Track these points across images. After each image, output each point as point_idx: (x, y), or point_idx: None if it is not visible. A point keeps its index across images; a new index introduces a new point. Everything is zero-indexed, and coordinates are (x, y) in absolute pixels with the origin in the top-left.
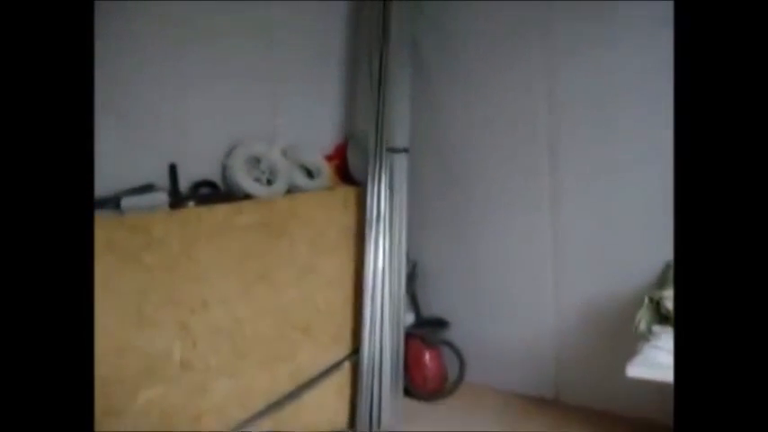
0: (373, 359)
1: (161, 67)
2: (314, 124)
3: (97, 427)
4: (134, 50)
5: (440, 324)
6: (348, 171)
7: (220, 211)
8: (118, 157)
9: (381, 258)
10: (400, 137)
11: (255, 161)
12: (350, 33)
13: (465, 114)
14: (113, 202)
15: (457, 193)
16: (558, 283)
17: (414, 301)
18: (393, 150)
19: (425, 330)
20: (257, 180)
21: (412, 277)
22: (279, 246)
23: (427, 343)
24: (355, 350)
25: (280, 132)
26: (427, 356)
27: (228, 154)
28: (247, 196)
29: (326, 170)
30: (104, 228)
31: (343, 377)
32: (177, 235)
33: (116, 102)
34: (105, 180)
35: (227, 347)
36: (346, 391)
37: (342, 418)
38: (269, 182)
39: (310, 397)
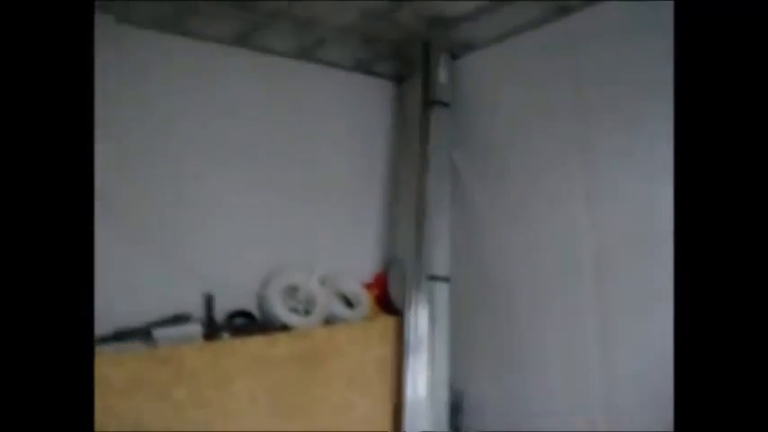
0: None
1: (197, 196)
2: (354, 251)
3: None
4: (171, 179)
5: None
6: (389, 300)
7: (255, 342)
8: (152, 287)
9: (421, 391)
10: (441, 264)
11: (293, 290)
12: (392, 155)
13: (508, 240)
14: (144, 333)
15: (502, 322)
16: (609, 416)
17: None
18: (433, 278)
19: None
20: (294, 310)
21: (457, 409)
22: (315, 379)
23: None
24: None
25: (318, 259)
26: None
27: (265, 283)
28: (284, 327)
29: (366, 299)
30: (134, 361)
31: None
32: (210, 368)
33: (151, 230)
34: (138, 310)
35: None
36: None
37: None
38: (306, 312)
39: None
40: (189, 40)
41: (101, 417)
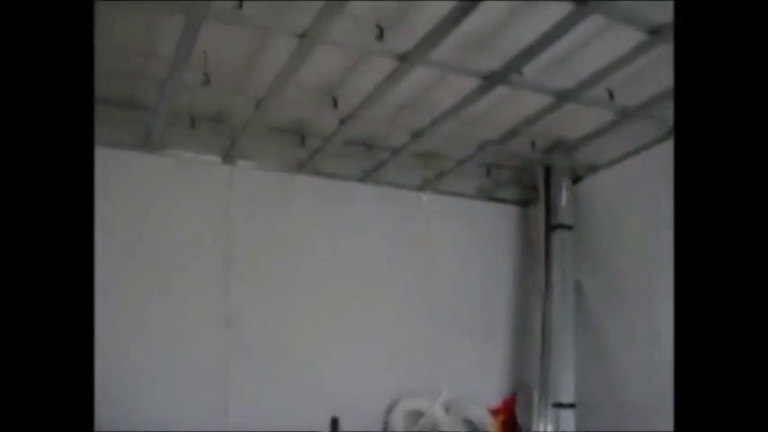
0: None
1: (326, 321)
2: (480, 376)
3: None
4: (301, 304)
5: None
6: (516, 425)
7: None
8: (283, 409)
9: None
10: (566, 391)
11: (417, 415)
12: (517, 279)
13: (637, 364)
14: None
15: None
16: None
17: None
18: (559, 405)
19: None
20: None
21: None
22: None
23: None
24: None
25: (443, 384)
26: None
27: (390, 408)
28: None
29: (492, 425)
30: None
31: None
32: None
33: (281, 356)
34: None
35: None
36: None
37: None
38: None
39: None
40: (318, 178)
41: None
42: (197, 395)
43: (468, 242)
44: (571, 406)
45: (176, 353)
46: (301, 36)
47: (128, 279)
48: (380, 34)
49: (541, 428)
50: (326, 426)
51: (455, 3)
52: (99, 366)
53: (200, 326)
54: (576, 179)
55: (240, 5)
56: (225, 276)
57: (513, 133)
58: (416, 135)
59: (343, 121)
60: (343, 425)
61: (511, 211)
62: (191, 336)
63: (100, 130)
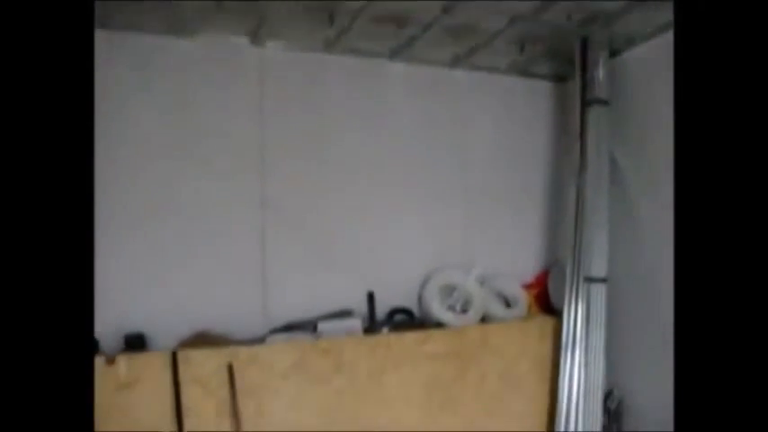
0: None
1: (361, 202)
2: (514, 252)
3: None
4: (337, 187)
5: None
6: (548, 300)
7: (410, 338)
8: (321, 285)
9: (576, 393)
10: (598, 265)
11: (450, 290)
12: (552, 155)
13: (669, 240)
14: (310, 326)
15: (663, 325)
16: None
17: None
18: (590, 280)
19: None
20: (451, 308)
21: (617, 416)
22: (467, 376)
23: None
24: None
25: (477, 260)
26: None
27: (424, 283)
28: (440, 324)
29: (524, 299)
30: (299, 350)
31: None
32: (367, 360)
33: (321, 234)
34: (305, 305)
35: None
36: None
37: None
38: (463, 310)
39: None
40: (347, 57)
41: (263, 395)
42: (232, 279)
43: (502, 119)
44: (602, 281)
45: (210, 235)
46: None
47: (160, 162)
48: None
49: (573, 301)
50: (363, 301)
51: None
52: (132, 249)
53: (236, 208)
54: (614, 53)
55: None
56: (259, 158)
57: (547, 5)
58: (447, 9)
59: None
60: (378, 299)
61: (545, 86)
62: (226, 217)
63: (128, 17)
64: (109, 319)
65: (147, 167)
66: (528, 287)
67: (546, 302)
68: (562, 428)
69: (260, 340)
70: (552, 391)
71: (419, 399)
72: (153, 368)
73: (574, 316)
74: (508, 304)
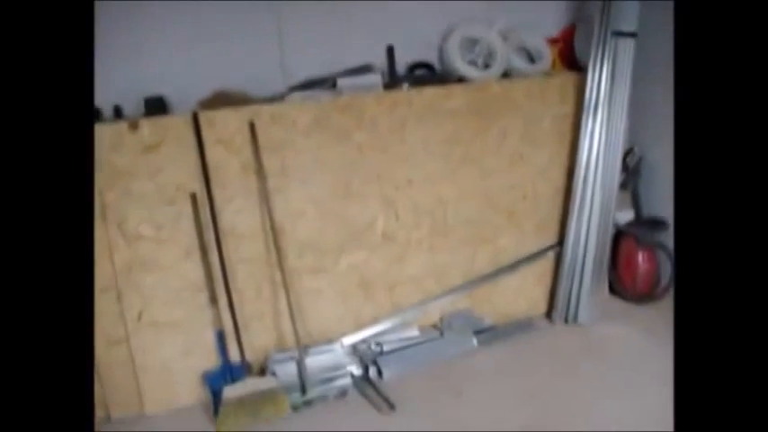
0: (577, 252)
1: None
2: (539, 3)
3: (306, 284)
4: None
5: (657, 225)
6: (574, 56)
7: (431, 93)
8: (337, 39)
9: (596, 150)
10: (628, 20)
11: (473, 43)
12: None
13: None
14: (330, 83)
15: None
16: None
17: (635, 198)
18: (619, 34)
19: (641, 230)
20: (472, 63)
21: (635, 173)
22: (488, 131)
23: (641, 243)
24: (560, 241)
25: (500, 12)
26: (640, 257)
27: (445, 36)
28: (462, 79)
29: (548, 54)
30: (319, 107)
31: (544, 267)
32: (387, 116)
33: None
34: (324, 61)
35: (428, 224)
36: (546, 281)
37: (539, 306)
38: (485, 65)
39: (508, 281)
40: None
41: (286, 152)
42: (249, 37)
43: None
44: (632, 35)
45: None
46: None
47: None
48: None
49: (599, 57)
50: (383, 56)
51: None
52: (149, 11)
53: None
54: None
55: None
56: None
57: None
58: None
59: None
60: (398, 54)
61: None
62: None
63: None
64: (128, 84)
65: None
66: (553, 42)
67: (571, 58)
68: (581, 184)
69: (280, 98)
70: (573, 148)
71: (440, 153)
72: (176, 130)
73: (599, 72)
74: (531, 59)
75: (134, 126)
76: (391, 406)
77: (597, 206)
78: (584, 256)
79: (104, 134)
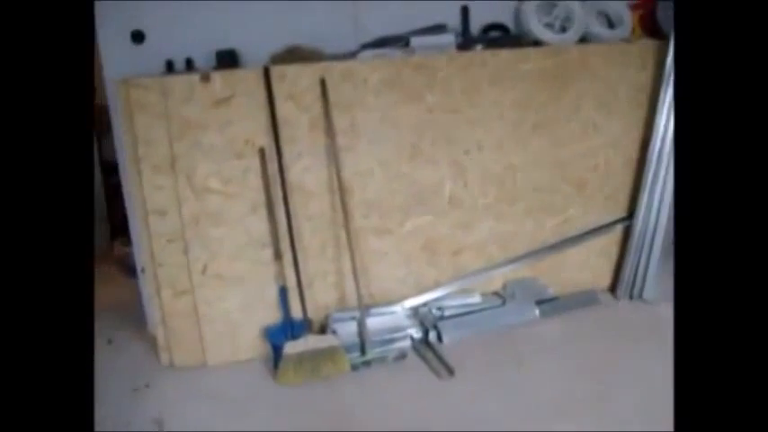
0: (647, 227)
1: None
2: None
3: (370, 244)
4: None
5: None
6: (655, 23)
7: (505, 56)
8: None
9: (673, 123)
10: None
11: (550, 6)
12: None
13: None
14: (402, 41)
15: None
16: None
17: None
18: None
19: None
20: (549, 26)
21: None
22: (563, 97)
23: None
24: (629, 215)
25: None
26: None
27: None
28: (537, 43)
29: (629, 20)
30: (391, 66)
31: (611, 240)
32: (460, 77)
33: None
34: (397, 20)
35: (496, 191)
36: (613, 255)
37: (603, 280)
38: (562, 29)
39: (574, 253)
40: None
41: (356, 110)
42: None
43: None
44: None
45: None
46: None
47: None
48: None
49: None
50: (457, 16)
51: None
52: None
53: None
54: None
55: None
56: None
57: None
58: None
59: None
60: (472, 14)
61: None
62: None
63: None
64: (199, 37)
65: None
66: (634, 7)
67: (652, 25)
68: (655, 156)
69: (351, 55)
70: (648, 119)
71: (511, 119)
72: (247, 84)
73: None
74: (611, 24)
75: (206, 78)
76: (450, 371)
77: (671, 180)
78: (655, 231)
79: (176, 86)
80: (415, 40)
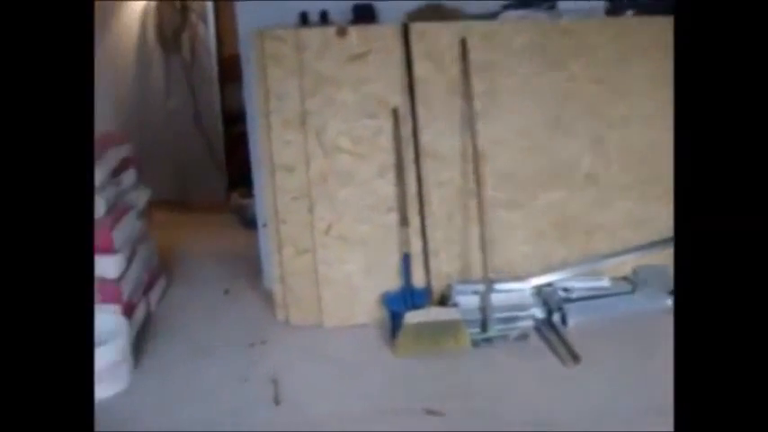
0: None
1: None
2: None
3: (500, 216)
4: None
5: None
6: None
7: (660, 24)
8: None
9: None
10: None
11: None
12: None
13: None
14: (547, 4)
15: None
16: None
17: None
18: None
19: None
20: None
21: None
22: None
23: None
24: None
25: None
26: None
27: None
28: None
29: None
30: (536, 29)
31: None
32: (609, 45)
33: None
34: None
35: (637, 170)
36: None
37: None
38: None
39: None
40: None
41: (496, 74)
42: None
43: None
44: None
45: None
46: None
47: None
48: None
49: None
50: None
51: None
52: None
53: None
54: None
55: None
56: None
57: None
58: None
59: None
60: None
61: None
62: None
63: None
64: None
65: None
66: None
67: None
68: None
69: (492, 16)
70: None
71: (662, 93)
72: (384, 40)
73: None
74: None
75: (342, 32)
76: (576, 358)
77: None
78: None
79: (311, 39)
80: (561, 3)
